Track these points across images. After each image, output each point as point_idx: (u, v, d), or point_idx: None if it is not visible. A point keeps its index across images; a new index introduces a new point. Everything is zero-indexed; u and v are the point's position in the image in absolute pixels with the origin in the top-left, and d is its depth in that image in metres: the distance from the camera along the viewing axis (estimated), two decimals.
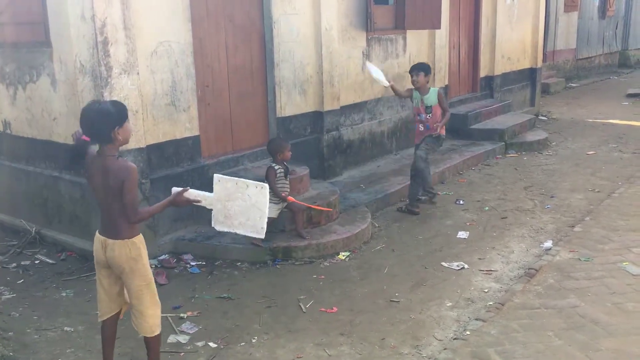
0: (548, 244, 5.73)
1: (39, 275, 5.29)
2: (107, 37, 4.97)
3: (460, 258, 5.47)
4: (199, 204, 3.45)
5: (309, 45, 7.11)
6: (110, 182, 3.17)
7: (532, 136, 10.13)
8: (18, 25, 5.86)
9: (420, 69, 6.65)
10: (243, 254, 5.45)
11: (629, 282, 4.76)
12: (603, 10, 19.65)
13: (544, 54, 14.90)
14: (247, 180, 3.50)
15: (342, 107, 7.66)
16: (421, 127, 6.71)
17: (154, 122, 5.56)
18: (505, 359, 3.75)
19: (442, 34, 9.45)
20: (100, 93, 5.00)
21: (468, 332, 4.07)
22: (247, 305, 4.63)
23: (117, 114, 3.19)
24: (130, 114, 5.06)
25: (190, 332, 4.23)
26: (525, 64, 12.63)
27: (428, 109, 6.61)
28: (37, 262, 5.58)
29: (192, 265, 5.37)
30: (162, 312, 3.53)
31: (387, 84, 6.69)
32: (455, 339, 4.04)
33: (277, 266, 5.35)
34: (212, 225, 3.55)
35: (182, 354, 3.97)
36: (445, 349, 3.91)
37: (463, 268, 5.26)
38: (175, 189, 3.44)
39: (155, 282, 3.52)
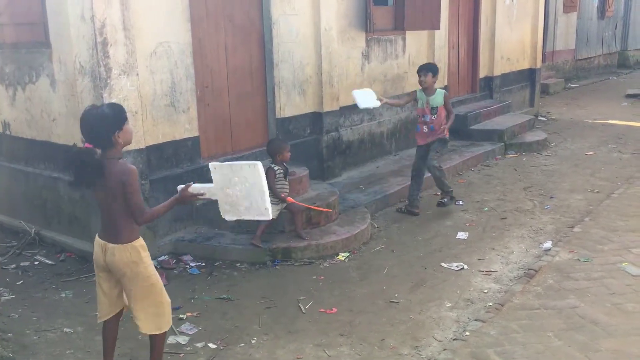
0: (547, 244, 5.73)
1: (38, 276, 5.29)
2: (107, 38, 4.97)
3: (460, 259, 5.47)
4: (203, 197, 3.40)
5: (309, 46, 7.11)
6: (110, 184, 3.16)
7: (531, 137, 10.14)
8: (17, 26, 5.86)
9: (429, 70, 6.62)
10: (242, 255, 5.45)
11: (629, 282, 4.76)
12: (602, 11, 19.66)
13: (543, 55, 14.91)
14: (240, 162, 3.44)
15: (341, 108, 7.65)
16: (425, 129, 6.64)
17: (154, 123, 5.55)
18: None
19: (442, 35, 9.46)
20: (99, 94, 5.00)
21: (467, 333, 4.07)
22: (246, 306, 4.63)
23: (116, 117, 3.18)
24: (129, 114, 5.06)
25: (190, 333, 4.23)
26: (525, 65, 12.64)
27: (434, 109, 6.59)
28: (36, 263, 5.58)
29: (192, 266, 5.37)
30: None
31: (378, 103, 6.48)
32: (454, 339, 4.04)
33: (277, 267, 5.35)
34: (222, 216, 3.49)
35: (182, 354, 3.97)
36: (444, 349, 3.91)
37: (462, 269, 5.26)
38: (180, 187, 3.41)
39: None
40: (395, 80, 8.78)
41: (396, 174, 7.82)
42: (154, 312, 3.38)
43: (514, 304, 4.46)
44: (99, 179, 3.15)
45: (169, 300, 3.46)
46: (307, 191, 6.30)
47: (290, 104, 7.02)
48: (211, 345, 4.07)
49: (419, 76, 6.63)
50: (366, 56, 8.13)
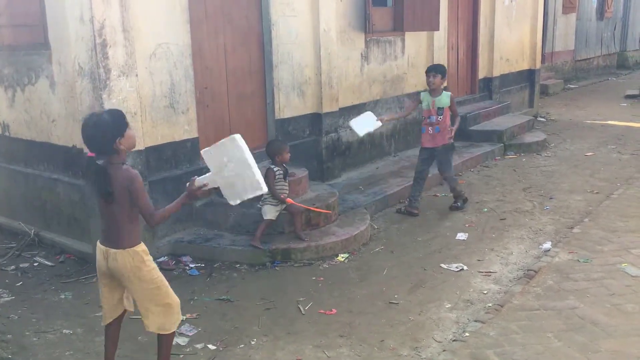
0: (547, 245, 5.73)
1: (37, 278, 5.29)
2: (106, 39, 4.97)
3: (459, 259, 5.47)
4: (208, 187, 3.35)
5: (308, 47, 7.12)
6: (113, 190, 3.16)
7: (530, 137, 10.14)
8: (16, 28, 5.86)
9: (438, 71, 6.60)
10: (242, 256, 5.45)
11: (628, 283, 4.76)
12: (601, 12, 19.68)
13: (543, 56, 14.91)
14: (222, 140, 3.37)
15: (340, 109, 7.66)
16: (430, 130, 6.62)
17: (153, 125, 5.55)
18: None
19: (441, 36, 9.46)
20: (98, 95, 5.00)
21: (467, 334, 4.07)
22: (246, 308, 4.63)
23: (116, 124, 3.17)
24: (128, 116, 5.06)
25: (190, 334, 4.23)
26: (524, 66, 12.65)
27: (440, 110, 6.57)
28: (35, 264, 5.58)
29: (191, 267, 5.37)
30: None
31: (379, 124, 6.49)
32: (454, 340, 4.04)
33: (276, 268, 5.35)
34: (229, 203, 3.40)
35: (182, 356, 3.96)
36: (444, 350, 3.91)
37: (462, 269, 5.26)
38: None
39: None
40: (395, 81, 8.79)
41: (395, 175, 7.83)
42: (161, 312, 3.38)
43: (514, 305, 4.46)
44: (106, 187, 3.14)
45: (178, 300, 3.45)
46: (307, 192, 6.30)
47: (290, 105, 7.03)
48: (211, 347, 4.07)
49: (428, 77, 6.61)
50: (365, 57, 8.14)
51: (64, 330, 4.33)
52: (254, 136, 6.77)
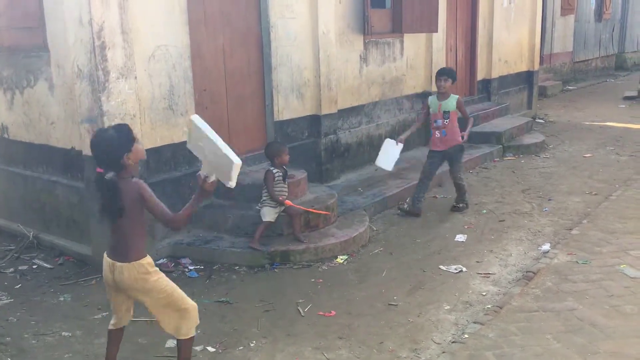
0: (546, 246, 5.74)
1: (36, 280, 5.28)
2: (105, 42, 4.97)
3: (458, 261, 5.47)
4: (211, 178, 3.22)
5: (307, 49, 7.12)
6: (124, 204, 3.17)
7: (529, 139, 10.15)
8: (15, 30, 5.86)
9: (449, 76, 6.63)
10: (241, 258, 5.45)
11: (627, 284, 4.77)
12: (599, 13, 19.72)
13: (541, 57, 14.94)
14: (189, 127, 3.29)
15: (339, 111, 7.66)
16: (437, 134, 6.66)
17: (152, 126, 5.55)
18: None
19: (439, 37, 9.47)
20: (97, 97, 5.00)
21: (466, 336, 4.07)
22: (245, 310, 4.63)
23: (122, 139, 3.17)
24: (128, 118, 5.11)
25: None
26: (523, 67, 12.66)
27: (446, 113, 6.59)
28: (34, 266, 5.57)
29: (190, 270, 5.36)
30: None
31: (401, 146, 6.65)
32: (453, 342, 4.04)
33: (275, 270, 5.35)
34: (227, 186, 3.22)
35: None
36: (443, 352, 3.91)
37: (461, 271, 5.26)
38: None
39: None
40: (394, 83, 8.79)
41: (395, 176, 7.82)
42: (178, 316, 3.41)
43: (513, 307, 4.46)
44: (117, 201, 3.15)
45: (194, 304, 3.47)
46: (306, 194, 6.30)
47: (289, 107, 7.03)
48: (210, 349, 4.07)
49: (439, 80, 6.64)
50: (364, 59, 8.15)
51: (63, 333, 4.32)
52: (253, 138, 6.78)
